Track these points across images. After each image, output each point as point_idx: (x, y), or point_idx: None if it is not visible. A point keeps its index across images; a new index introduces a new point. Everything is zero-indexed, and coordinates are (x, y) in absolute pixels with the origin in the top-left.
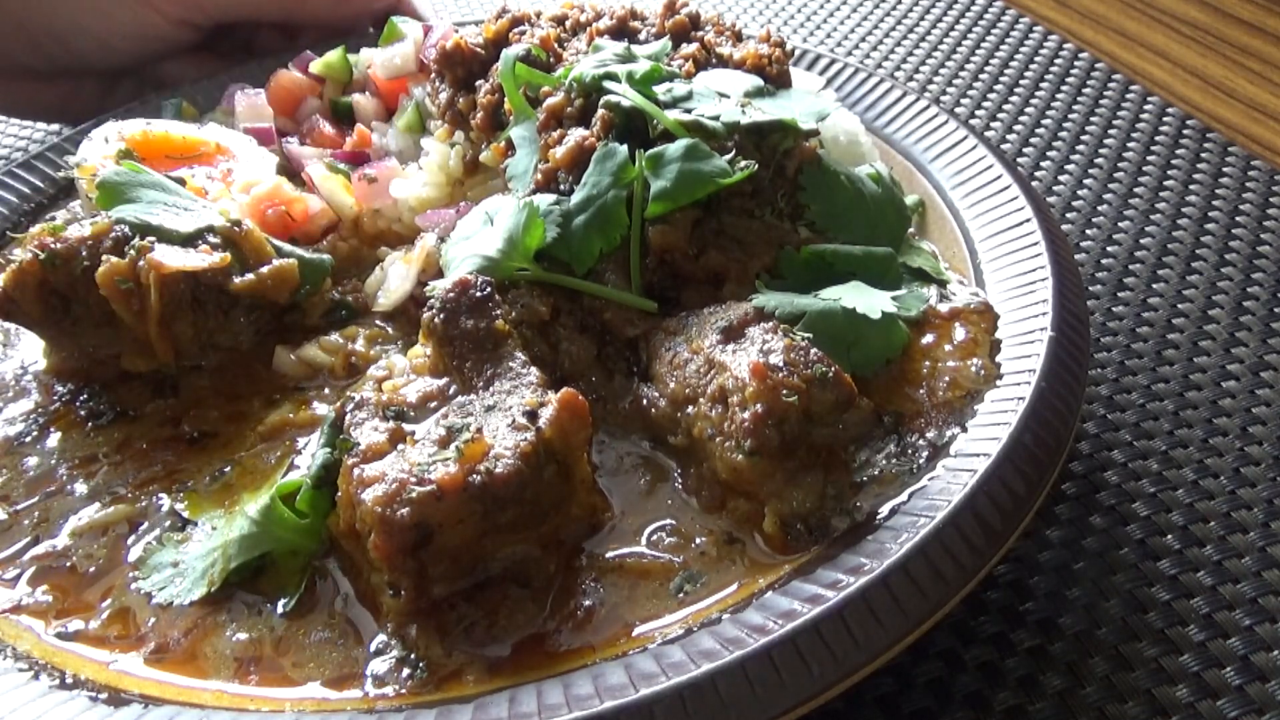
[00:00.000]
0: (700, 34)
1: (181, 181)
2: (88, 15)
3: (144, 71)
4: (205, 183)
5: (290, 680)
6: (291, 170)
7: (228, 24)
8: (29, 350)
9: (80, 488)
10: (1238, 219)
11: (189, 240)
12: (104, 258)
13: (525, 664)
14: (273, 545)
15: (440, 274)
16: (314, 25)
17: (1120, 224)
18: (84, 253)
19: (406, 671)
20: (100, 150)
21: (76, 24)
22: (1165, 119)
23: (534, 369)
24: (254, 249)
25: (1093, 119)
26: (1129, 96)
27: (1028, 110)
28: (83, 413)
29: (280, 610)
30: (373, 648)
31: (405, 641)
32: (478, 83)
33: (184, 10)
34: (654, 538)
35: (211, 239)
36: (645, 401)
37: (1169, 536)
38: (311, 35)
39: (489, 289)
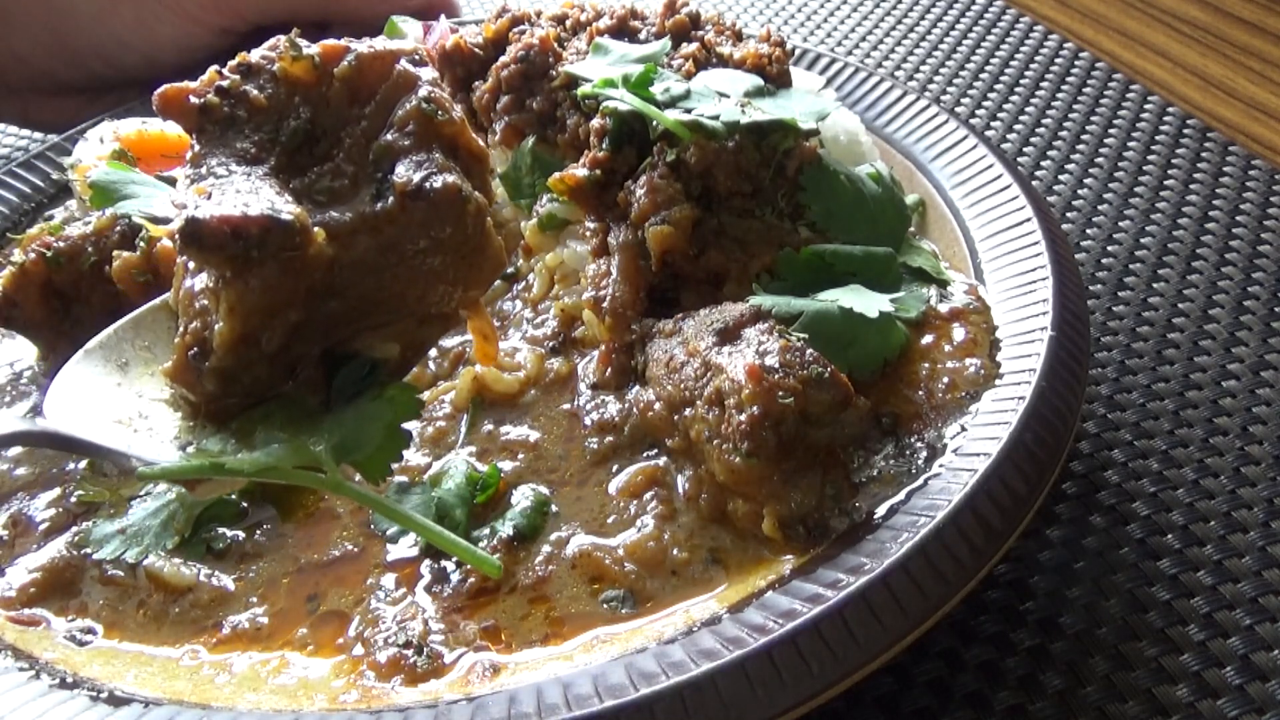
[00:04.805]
0: (700, 33)
1: (172, 181)
2: (131, 32)
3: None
4: None
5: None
6: None
7: (264, 25)
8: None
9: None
10: (1238, 218)
11: None
12: (115, 253)
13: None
14: (231, 488)
15: None
16: (349, 23)
17: (1120, 223)
18: (89, 249)
19: (408, 659)
20: (95, 150)
21: (121, 41)
22: (1166, 118)
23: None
24: None
25: (1093, 118)
26: (1129, 96)
27: (1028, 110)
28: None
29: None
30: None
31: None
32: (475, 83)
33: (225, 19)
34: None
35: None
36: (642, 404)
37: (1169, 536)
38: (344, 31)
39: None
